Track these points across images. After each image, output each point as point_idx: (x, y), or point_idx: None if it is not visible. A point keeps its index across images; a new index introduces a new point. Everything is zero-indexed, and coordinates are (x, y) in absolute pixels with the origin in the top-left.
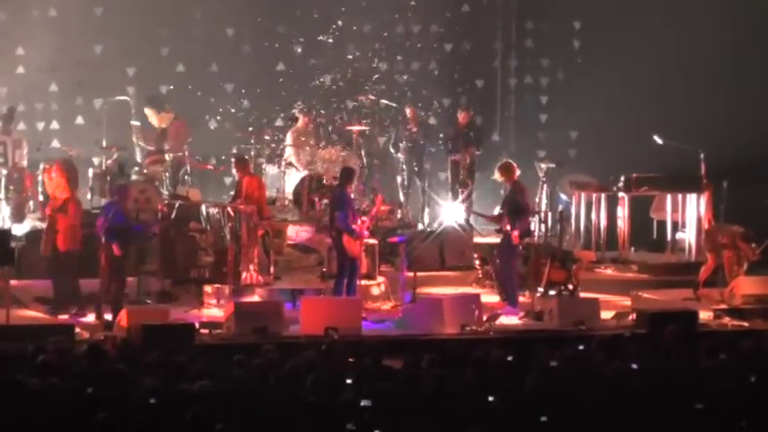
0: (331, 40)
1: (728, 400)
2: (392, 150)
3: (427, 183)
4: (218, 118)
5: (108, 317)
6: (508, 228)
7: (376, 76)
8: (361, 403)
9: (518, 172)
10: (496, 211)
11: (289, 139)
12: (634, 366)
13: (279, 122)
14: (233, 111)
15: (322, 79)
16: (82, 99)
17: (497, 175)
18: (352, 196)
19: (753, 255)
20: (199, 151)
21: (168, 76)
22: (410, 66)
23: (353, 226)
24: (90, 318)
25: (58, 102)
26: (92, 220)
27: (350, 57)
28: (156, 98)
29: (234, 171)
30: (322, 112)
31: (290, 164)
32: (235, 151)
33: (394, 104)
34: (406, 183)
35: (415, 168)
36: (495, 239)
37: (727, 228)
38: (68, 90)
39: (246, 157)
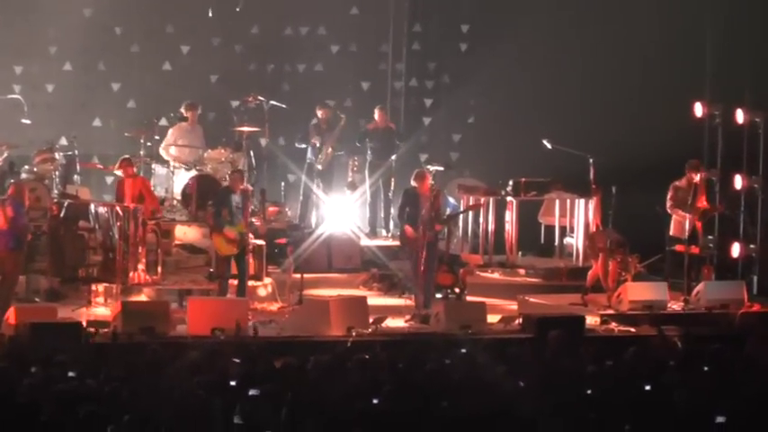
0: (218, 41)
1: (613, 404)
2: (296, 144)
3: (320, 184)
4: (103, 117)
5: None
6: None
7: (263, 76)
8: (250, 392)
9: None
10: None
11: (169, 134)
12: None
13: (164, 122)
14: (118, 110)
15: (209, 80)
16: None
17: (414, 183)
18: (237, 197)
19: (633, 266)
20: (83, 149)
21: (55, 74)
22: (296, 67)
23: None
24: None
25: None
26: None
27: (237, 57)
28: None
29: (119, 171)
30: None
31: (181, 164)
32: (142, 153)
33: (283, 105)
34: (301, 183)
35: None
36: (384, 243)
37: (608, 233)
38: None
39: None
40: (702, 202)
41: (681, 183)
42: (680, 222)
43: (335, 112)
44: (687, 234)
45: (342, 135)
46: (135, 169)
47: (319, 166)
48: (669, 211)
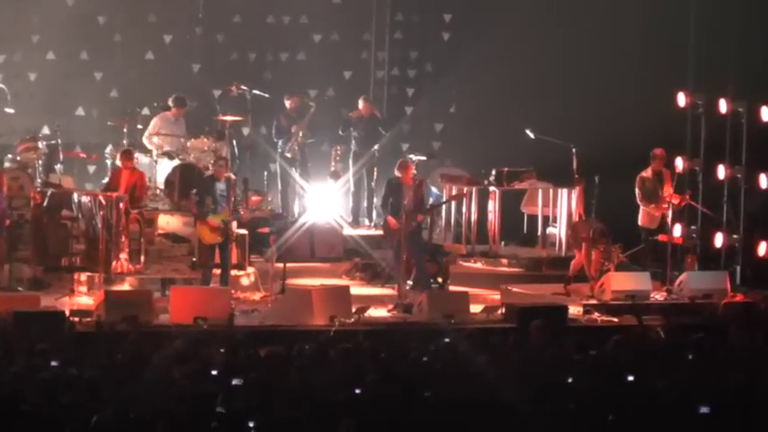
0: (201, 30)
1: (596, 394)
2: (275, 139)
3: (298, 172)
4: (86, 106)
5: None
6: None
7: (245, 65)
8: (233, 382)
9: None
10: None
11: (152, 124)
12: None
13: (146, 111)
14: (101, 99)
15: (191, 69)
16: None
17: (397, 172)
18: (221, 185)
19: (616, 255)
20: (66, 138)
21: (38, 63)
22: (278, 56)
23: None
24: None
25: None
26: None
27: (219, 47)
28: None
29: (119, 162)
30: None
31: (164, 153)
32: (125, 142)
33: (266, 95)
34: (278, 172)
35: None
36: (367, 232)
37: (591, 223)
38: None
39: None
40: (669, 192)
41: (647, 173)
42: (648, 212)
43: (304, 100)
44: (664, 223)
45: (311, 123)
46: (134, 163)
47: (288, 154)
48: (639, 203)
